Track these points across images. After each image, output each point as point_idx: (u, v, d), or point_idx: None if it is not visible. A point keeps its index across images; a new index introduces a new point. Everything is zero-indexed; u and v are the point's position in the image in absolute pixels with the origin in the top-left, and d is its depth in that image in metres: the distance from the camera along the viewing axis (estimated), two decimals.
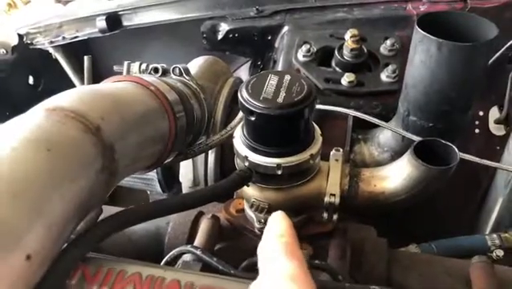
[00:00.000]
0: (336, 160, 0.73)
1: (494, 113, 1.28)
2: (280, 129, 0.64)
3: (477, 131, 1.28)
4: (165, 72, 0.83)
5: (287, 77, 0.65)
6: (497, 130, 1.27)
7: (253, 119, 0.62)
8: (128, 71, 0.83)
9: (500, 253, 0.92)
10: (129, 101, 0.64)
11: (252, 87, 0.63)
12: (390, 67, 1.10)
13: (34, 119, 0.53)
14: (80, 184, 0.51)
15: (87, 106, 0.56)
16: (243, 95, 0.63)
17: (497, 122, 1.26)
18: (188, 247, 0.66)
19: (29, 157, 0.48)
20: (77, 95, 0.58)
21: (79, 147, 0.52)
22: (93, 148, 0.54)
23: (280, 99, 0.61)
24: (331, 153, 0.74)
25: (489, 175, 1.21)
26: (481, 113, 1.28)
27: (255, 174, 0.68)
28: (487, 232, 1.11)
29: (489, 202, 1.15)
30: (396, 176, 0.69)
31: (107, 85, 0.68)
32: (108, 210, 0.65)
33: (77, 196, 0.51)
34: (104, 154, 0.55)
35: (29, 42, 1.48)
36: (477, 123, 1.28)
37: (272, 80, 0.64)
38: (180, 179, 1.02)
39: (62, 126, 0.52)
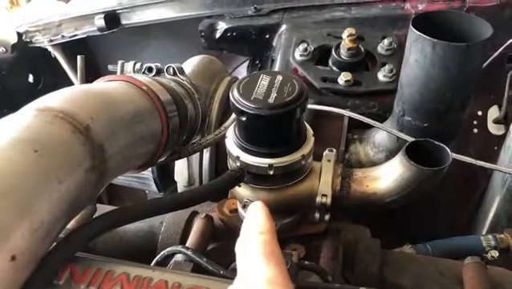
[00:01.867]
0: (328, 160, 0.72)
1: (493, 113, 1.28)
2: (271, 130, 0.64)
3: (475, 130, 1.27)
4: (159, 72, 0.83)
5: (279, 77, 0.65)
6: (495, 130, 1.27)
7: (244, 119, 0.62)
8: (122, 71, 0.83)
9: (495, 254, 0.91)
10: (120, 101, 0.64)
11: (243, 87, 0.63)
12: (387, 67, 1.10)
13: (24, 119, 0.53)
14: (68, 184, 0.51)
15: (76, 106, 0.56)
16: (234, 95, 0.62)
17: (496, 121, 1.26)
18: (179, 247, 0.66)
19: (16, 157, 0.48)
20: (67, 95, 0.58)
21: (67, 147, 0.52)
22: (81, 148, 0.54)
23: (271, 100, 0.61)
24: (324, 154, 0.74)
25: (487, 175, 1.20)
26: (479, 113, 1.28)
27: (247, 174, 0.68)
28: (484, 232, 1.11)
29: (486, 202, 1.15)
30: (388, 176, 0.69)
31: (99, 85, 0.68)
32: (103, 209, 0.65)
33: (65, 196, 0.51)
34: (93, 154, 0.55)
35: (28, 40, 1.49)
36: (475, 122, 1.27)
37: (264, 81, 0.64)
38: (176, 178, 1.02)
39: (50, 126, 0.53)
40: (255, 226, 0.47)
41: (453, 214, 1.28)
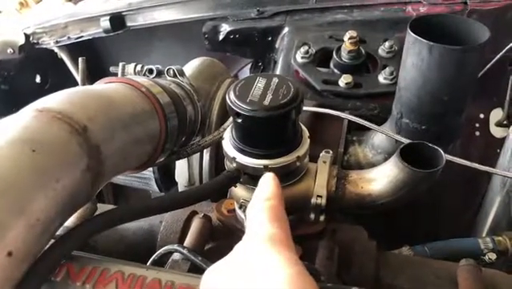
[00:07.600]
0: (324, 161, 0.73)
1: (495, 115, 1.27)
2: (267, 131, 0.64)
3: (477, 133, 1.27)
4: (160, 73, 0.85)
5: (275, 80, 0.65)
6: (498, 132, 1.27)
7: (239, 121, 0.63)
8: (123, 73, 0.84)
9: (492, 256, 0.91)
10: (118, 102, 0.65)
11: (239, 89, 0.64)
12: (388, 69, 1.10)
13: (23, 119, 0.55)
14: (65, 183, 0.52)
15: (74, 107, 0.58)
16: (230, 97, 0.63)
17: (498, 124, 1.26)
18: (175, 246, 0.67)
19: (14, 156, 0.49)
20: (65, 97, 0.60)
21: (64, 147, 0.54)
22: (78, 149, 0.55)
23: (266, 102, 0.62)
24: (320, 155, 0.74)
25: (488, 176, 1.20)
26: (481, 116, 1.28)
27: (243, 175, 0.69)
28: (484, 234, 1.11)
29: (486, 204, 1.15)
30: (382, 178, 0.69)
31: (98, 86, 0.69)
32: (104, 209, 0.66)
33: (61, 194, 0.52)
34: (90, 154, 0.57)
35: (35, 41, 1.51)
36: (477, 125, 1.27)
37: (259, 83, 0.65)
38: (176, 178, 1.03)
39: (48, 127, 0.54)
40: (263, 193, 0.50)
41: (456, 215, 1.28)
